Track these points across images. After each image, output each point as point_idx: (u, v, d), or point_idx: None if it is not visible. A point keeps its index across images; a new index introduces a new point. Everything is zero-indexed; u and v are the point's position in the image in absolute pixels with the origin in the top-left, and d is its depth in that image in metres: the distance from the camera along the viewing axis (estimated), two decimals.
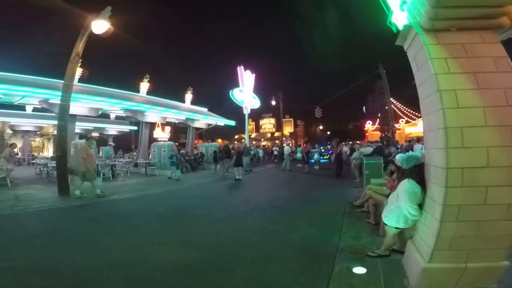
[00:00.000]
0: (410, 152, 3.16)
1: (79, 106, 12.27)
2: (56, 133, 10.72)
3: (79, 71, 13.64)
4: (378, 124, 44.79)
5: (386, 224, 3.20)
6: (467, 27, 2.38)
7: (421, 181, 2.77)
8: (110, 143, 25.66)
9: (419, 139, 13.16)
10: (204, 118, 20.01)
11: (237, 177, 10.94)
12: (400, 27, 2.75)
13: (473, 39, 2.37)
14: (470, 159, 2.20)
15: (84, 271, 3.07)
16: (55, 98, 10.37)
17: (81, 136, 11.16)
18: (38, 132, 23.46)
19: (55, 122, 10.42)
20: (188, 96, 20.75)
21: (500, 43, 2.39)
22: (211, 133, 37.04)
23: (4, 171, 9.06)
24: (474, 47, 2.36)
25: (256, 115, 48.96)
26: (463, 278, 2.39)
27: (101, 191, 7.38)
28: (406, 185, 2.84)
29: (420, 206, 2.77)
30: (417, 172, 2.84)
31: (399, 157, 3.09)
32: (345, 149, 15.37)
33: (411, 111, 35.54)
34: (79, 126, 19.23)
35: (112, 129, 25.88)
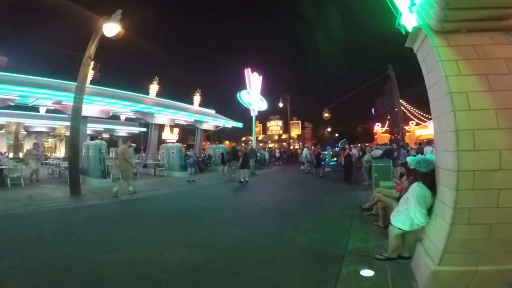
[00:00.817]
0: (429, 154, 3.12)
1: (91, 107, 12.55)
2: (68, 134, 11.05)
3: (90, 73, 13.98)
4: (387, 126, 44.06)
5: (391, 224, 3.18)
6: (478, 28, 2.35)
7: (432, 186, 2.75)
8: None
9: (429, 142, 12.86)
10: (212, 120, 20.17)
11: (241, 180, 10.74)
12: (409, 29, 2.73)
13: (484, 40, 2.35)
14: (482, 162, 2.17)
15: (95, 269, 3.15)
16: (69, 99, 10.65)
17: (92, 138, 11.55)
18: (51, 133, 24.07)
19: (68, 123, 10.71)
20: (196, 98, 20.97)
21: None
22: (218, 135, 37.35)
23: (18, 171, 9.37)
24: (485, 48, 2.33)
25: (263, 117, 49.12)
26: (473, 281, 2.35)
27: (116, 191, 7.55)
28: (416, 189, 2.83)
29: (429, 210, 2.74)
30: (430, 176, 2.82)
31: (412, 160, 3.03)
32: (354, 151, 15.15)
33: (422, 113, 34.82)
34: (90, 128, 19.63)
35: (122, 131, 26.26)
